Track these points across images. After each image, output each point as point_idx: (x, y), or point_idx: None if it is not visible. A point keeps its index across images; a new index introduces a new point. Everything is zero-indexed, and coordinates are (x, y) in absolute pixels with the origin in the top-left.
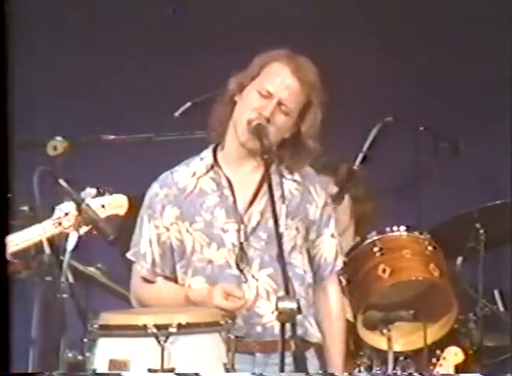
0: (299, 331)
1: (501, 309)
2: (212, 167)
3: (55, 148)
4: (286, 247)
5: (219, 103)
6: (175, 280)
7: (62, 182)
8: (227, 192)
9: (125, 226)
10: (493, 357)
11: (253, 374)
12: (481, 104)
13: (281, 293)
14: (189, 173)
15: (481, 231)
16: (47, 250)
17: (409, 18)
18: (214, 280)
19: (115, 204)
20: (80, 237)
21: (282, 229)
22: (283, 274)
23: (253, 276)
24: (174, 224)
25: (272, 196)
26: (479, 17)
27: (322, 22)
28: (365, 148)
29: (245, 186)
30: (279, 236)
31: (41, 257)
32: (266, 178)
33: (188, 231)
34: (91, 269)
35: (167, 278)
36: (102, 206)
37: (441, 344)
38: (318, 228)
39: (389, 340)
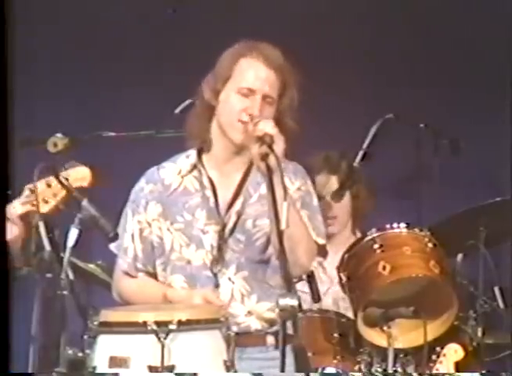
0: (275, 328)
1: (501, 306)
2: (195, 166)
3: (55, 145)
4: (263, 245)
5: (197, 112)
6: (156, 276)
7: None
8: (208, 193)
9: None
10: (493, 354)
11: (253, 373)
12: (482, 101)
13: (253, 295)
14: (176, 170)
15: (481, 228)
16: (47, 247)
17: (409, 15)
18: (192, 279)
19: (78, 176)
20: (80, 234)
21: (283, 226)
22: (284, 271)
23: (229, 279)
24: (156, 221)
25: (273, 196)
26: (478, 13)
27: (321, 20)
28: (365, 145)
29: (227, 187)
30: (280, 234)
31: (41, 254)
32: (267, 179)
33: (168, 230)
34: (91, 266)
35: (148, 274)
36: (66, 179)
37: (442, 341)
38: None
39: (389, 337)
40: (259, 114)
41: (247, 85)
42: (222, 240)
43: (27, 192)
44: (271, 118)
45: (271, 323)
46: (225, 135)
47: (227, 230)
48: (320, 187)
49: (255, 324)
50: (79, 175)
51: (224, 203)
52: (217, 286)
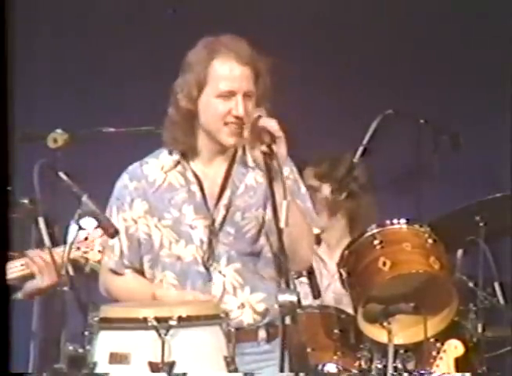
0: (266, 320)
1: (501, 301)
2: (179, 162)
3: (55, 141)
4: (254, 237)
5: (175, 119)
6: (143, 273)
7: (62, 174)
8: (194, 188)
9: None
10: (493, 350)
11: (245, 374)
12: (482, 97)
13: (246, 287)
14: (159, 166)
15: (481, 224)
16: (47, 242)
17: (409, 11)
18: (183, 275)
19: None
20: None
21: (282, 224)
22: (283, 267)
23: (220, 272)
24: (143, 218)
25: (272, 192)
26: (479, 10)
27: (320, 18)
28: (365, 141)
29: (213, 181)
30: (280, 232)
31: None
32: (266, 173)
33: (156, 226)
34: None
35: (135, 270)
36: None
37: (442, 337)
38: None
39: (389, 333)
40: (244, 113)
41: (227, 88)
42: (213, 235)
43: (82, 238)
44: (250, 111)
45: (263, 315)
46: (213, 139)
47: (217, 224)
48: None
49: (248, 318)
50: None
51: (211, 197)
52: (209, 280)
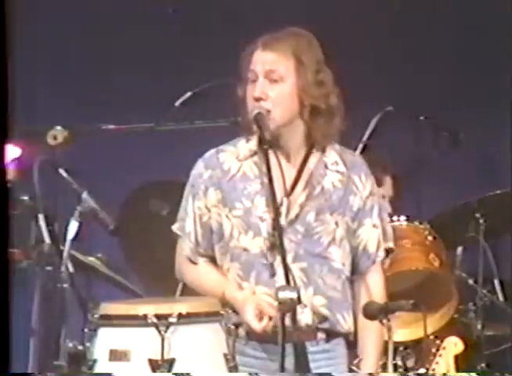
0: (326, 325)
1: (501, 298)
2: (256, 152)
3: (55, 137)
4: (323, 241)
5: (243, 114)
6: (215, 261)
7: (62, 171)
8: (266, 180)
9: (125, 216)
10: (493, 347)
11: (249, 374)
12: (482, 94)
13: (310, 287)
14: (235, 154)
15: (481, 221)
16: (47, 239)
17: (411, 9)
18: (248, 267)
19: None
20: (80, 227)
21: (282, 221)
22: (282, 264)
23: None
24: (215, 207)
25: (272, 183)
26: (480, 7)
27: (323, 11)
28: (365, 138)
29: (285, 176)
30: (280, 229)
31: (41, 246)
32: (266, 166)
33: (227, 217)
34: (91, 259)
35: (210, 259)
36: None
37: (441, 334)
38: (360, 218)
39: (389, 330)
40: (260, 93)
41: (251, 71)
42: (280, 229)
43: None
44: (281, 97)
45: (322, 319)
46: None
47: (287, 220)
48: None
49: (306, 318)
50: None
51: (282, 191)
52: (273, 274)
